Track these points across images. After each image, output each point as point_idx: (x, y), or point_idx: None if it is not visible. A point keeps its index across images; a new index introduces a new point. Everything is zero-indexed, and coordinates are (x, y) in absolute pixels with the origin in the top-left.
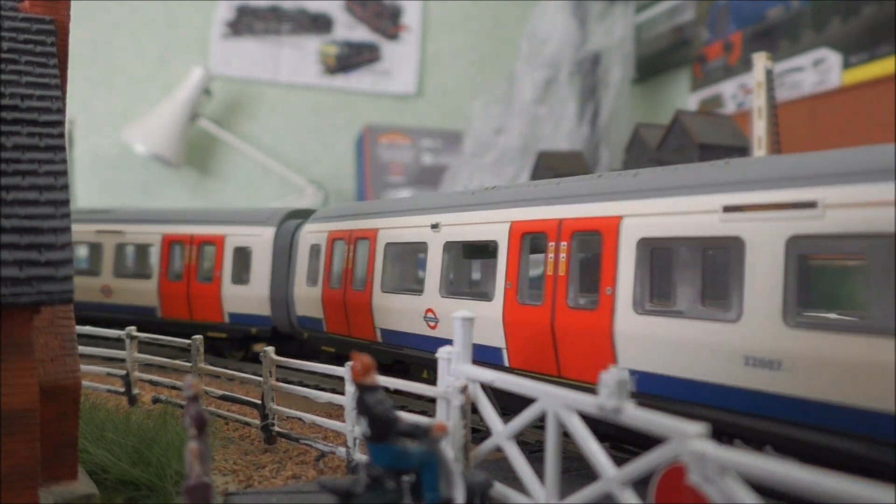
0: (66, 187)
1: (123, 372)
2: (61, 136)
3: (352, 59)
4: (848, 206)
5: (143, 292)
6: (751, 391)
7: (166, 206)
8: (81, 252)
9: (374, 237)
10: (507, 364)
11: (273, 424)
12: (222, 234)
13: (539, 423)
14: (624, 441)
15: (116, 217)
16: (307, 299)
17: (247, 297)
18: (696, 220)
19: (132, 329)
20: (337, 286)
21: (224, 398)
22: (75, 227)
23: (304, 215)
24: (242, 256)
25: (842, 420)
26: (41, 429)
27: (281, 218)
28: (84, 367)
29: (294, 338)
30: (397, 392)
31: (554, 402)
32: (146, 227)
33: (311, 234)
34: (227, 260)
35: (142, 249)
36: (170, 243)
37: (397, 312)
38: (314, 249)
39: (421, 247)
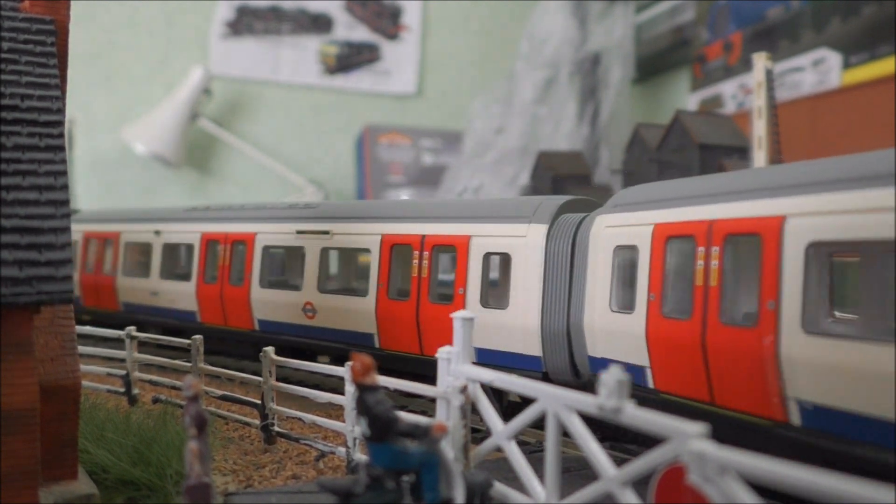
0: (66, 187)
1: (123, 372)
2: (61, 136)
3: (352, 59)
4: None
5: (357, 314)
6: None
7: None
8: (276, 258)
9: (776, 232)
10: None
11: (273, 424)
12: (465, 234)
13: (539, 423)
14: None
15: (322, 213)
16: (613, 333)
17: (504, 328)
18: None
19: (132, 329)
20: (682, 315)
21: (224, 398)
22: (276, 227)
23: (587, 206)
24: (497, 267)
25: None
26: (41, 428)
27: (555, 210)
28: (84, 367)
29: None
30: (397, 392)
31: (554, 402)
32: (360, 225)
33: (616, 229)
34: (472, 272)
35: (352, 256)
36: (392, 247)
37: (846, 375)
38: (623, 254)
39: None
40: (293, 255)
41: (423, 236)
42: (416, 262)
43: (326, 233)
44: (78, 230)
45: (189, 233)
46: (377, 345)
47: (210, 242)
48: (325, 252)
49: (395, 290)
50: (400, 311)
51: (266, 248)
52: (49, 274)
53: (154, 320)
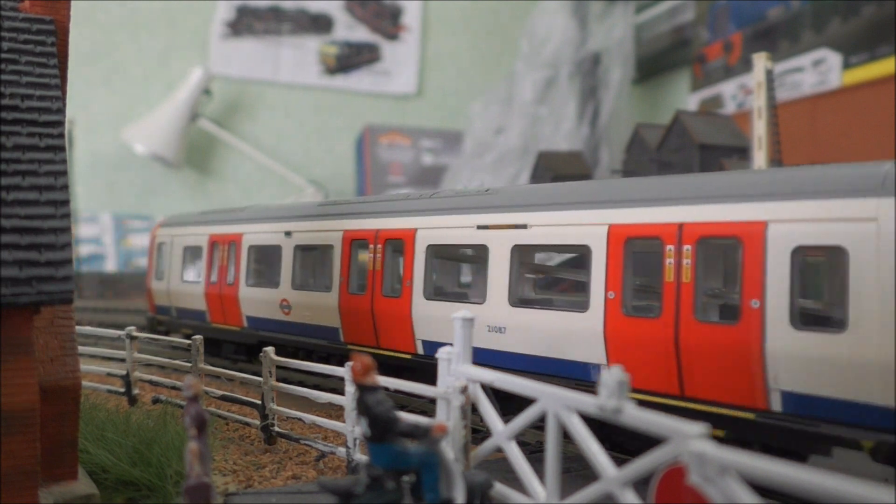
0: (66, 187)
1: (123, 372)
2: (61, 136)
3: (352, 59)
4: None
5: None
6: None
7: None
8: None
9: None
10: None
11: (273, 425)
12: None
13: (539, 424)
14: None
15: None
16: None
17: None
18: None
19: (132, 329)
20: None
21: (224, 398)
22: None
23: None
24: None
25: None
26: (41, 429)
27: None
28: (84, 367)
29: None
30: (397, 392)
31: (554, 402)
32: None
33: None
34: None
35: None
36: (626, 241)
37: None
38: None
39: None
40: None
41: (681, 225)
42: (669, 261)
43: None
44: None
45: None
46: (682, 393)
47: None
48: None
49: (629, 302)
50: (641, 332)
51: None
52: (49, 274)
53: None
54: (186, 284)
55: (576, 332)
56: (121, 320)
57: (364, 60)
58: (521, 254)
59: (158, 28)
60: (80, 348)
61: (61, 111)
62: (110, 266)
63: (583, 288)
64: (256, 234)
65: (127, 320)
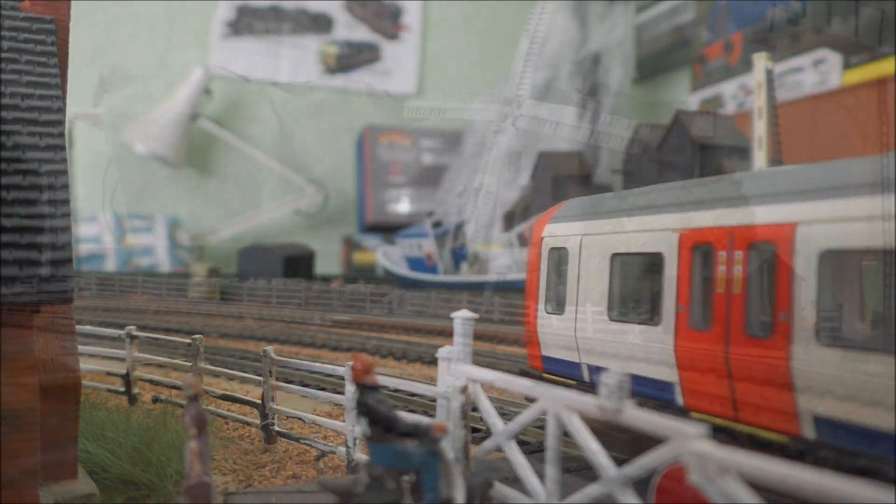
0: (66, 187)
1: (123, 371)
2: (61, 135)
3: (352, 58)
4: None
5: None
6: None
7: None
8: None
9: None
10: None
11: (273, 424)
12: None
13: (539, 424)
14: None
15: None
16: None
17: None
18: None
19: (132, 328)
20: None
21: (224, 398)
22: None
23: None
24: None
25: None
26: (41, 428)
27: None
28: (84, 367)
29: None
30: (398, 392)
31: (555, 402)
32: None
33: None
34: None
35: None
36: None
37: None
38: None
39: None
40: None
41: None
42: None
43: None
44: None
45: None
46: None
47: None
48: None
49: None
50: None
51: None
52: (49, 273)
53: None
54: (621, 327)
55: None
56: (121, 320)
57: (364, 60)
58: None
59: (159, 28)
60: (80, 348)
61: (61, 110)
62: (110, 266)
63: None
64: (839, 224)
65: (127, 320)
